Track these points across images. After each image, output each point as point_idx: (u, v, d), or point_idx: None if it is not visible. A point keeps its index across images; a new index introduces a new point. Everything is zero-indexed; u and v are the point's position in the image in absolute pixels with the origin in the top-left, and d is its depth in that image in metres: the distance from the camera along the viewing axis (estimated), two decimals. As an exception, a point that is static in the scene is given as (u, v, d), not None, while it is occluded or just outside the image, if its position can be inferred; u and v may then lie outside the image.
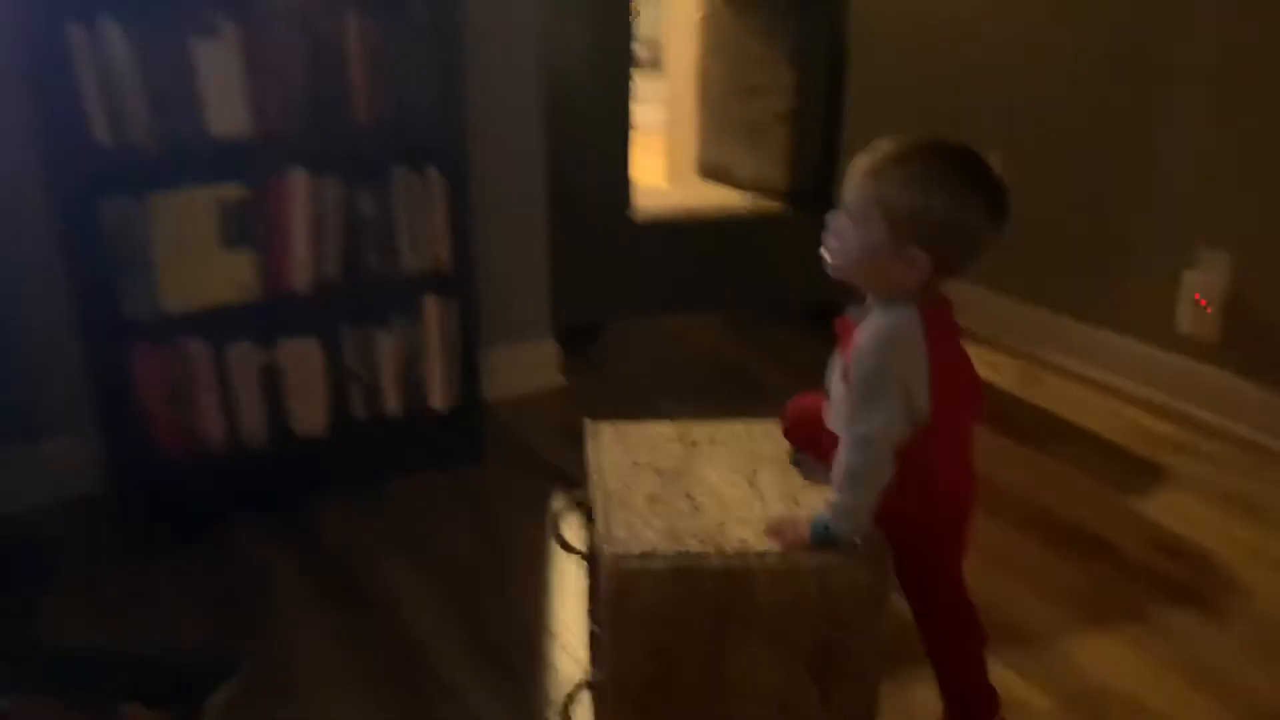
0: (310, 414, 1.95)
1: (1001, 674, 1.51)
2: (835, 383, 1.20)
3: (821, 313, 2.90)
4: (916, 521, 1.18)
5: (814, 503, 1.20)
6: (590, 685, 1.35)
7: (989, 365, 2.63)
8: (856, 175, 1.13)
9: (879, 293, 1.16)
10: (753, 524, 1.20)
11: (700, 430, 1.43)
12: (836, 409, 1.19)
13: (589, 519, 1.35)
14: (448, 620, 1.66)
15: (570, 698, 1.38)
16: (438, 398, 2.07)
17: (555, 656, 1.59)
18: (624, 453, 1.37)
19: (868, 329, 1.14)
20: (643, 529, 1.19)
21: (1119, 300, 2.50)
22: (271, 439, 1.93)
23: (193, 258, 1.76)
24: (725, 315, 2.99)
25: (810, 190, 2.83)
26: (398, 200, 1.91)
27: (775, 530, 1.17)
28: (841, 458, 1.14)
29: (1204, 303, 2.29)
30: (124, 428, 1.80)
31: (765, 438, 1.40)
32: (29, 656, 1.07)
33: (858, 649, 1.19)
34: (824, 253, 1.17)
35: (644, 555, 1.15)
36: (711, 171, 3.10)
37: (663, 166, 3.47)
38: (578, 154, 2.51)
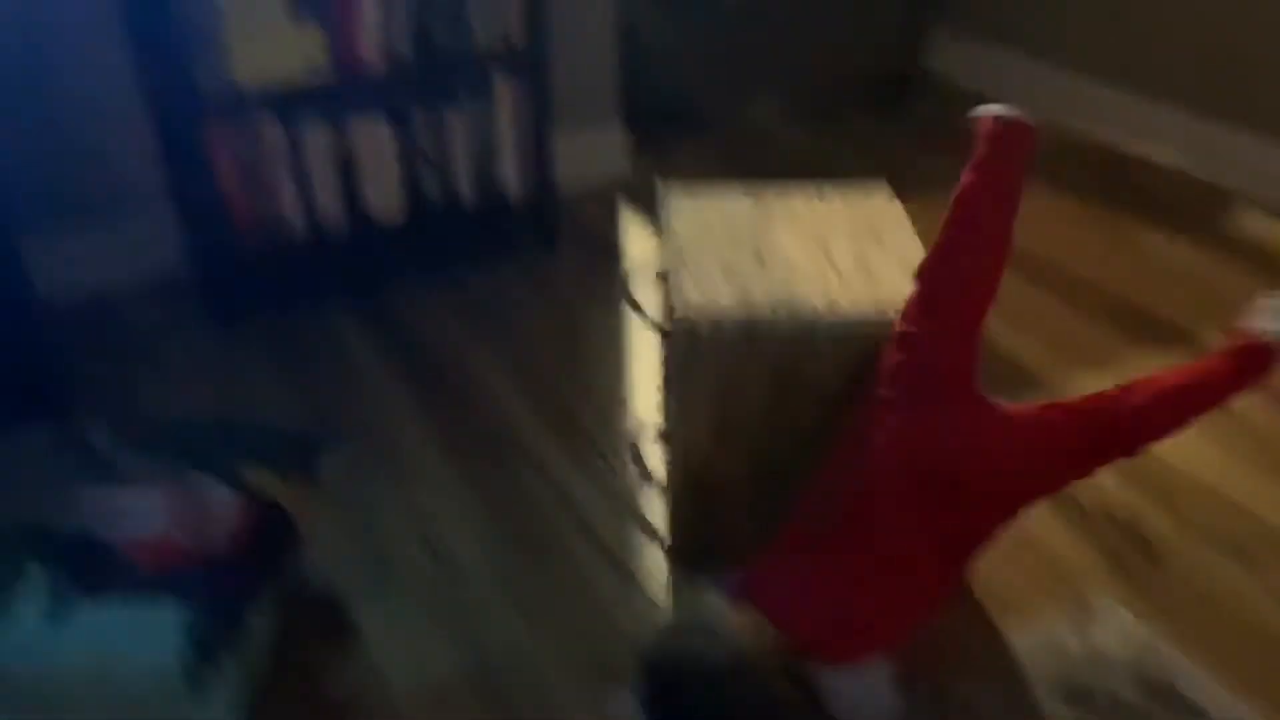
0: (385, 198, 1.95)
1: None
2: None
3: (885, 86, 2.77)
4: None
5: (889, 273, 1.22)
6: (661, 435, 1.40)
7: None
8: None
9: None
10: (822, 290, 1.19)
11: (775, 198, 1.40)
12: None
13: (663, 282, 1.36)
14: (528, 398, 1.71)
15: (639, 441, 1.43)
16: (512, 184, 2.04)
17: (629, 425, 1.64)
18: (697, 216, 1.36)
19: None
20: (714, 291, 1.19)
21: (1212, 77, 2.32)
22: (349, 225, 1.93)
23: (262, 30, 1.71)
24: (791, 97, 2.86)
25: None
26: (468, -29, 1.82)
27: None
28: None
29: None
30: (202, 209, 1.81)
31: (841, 209, 1.38)
32: (151, 424, 1.12)
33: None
34: None
35: (715, 318, 1.15)
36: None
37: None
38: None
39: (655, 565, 1.38)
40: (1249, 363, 1.07)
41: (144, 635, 0.91)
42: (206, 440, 1.08)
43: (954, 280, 1.13)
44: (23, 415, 1.53)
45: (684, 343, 1.16)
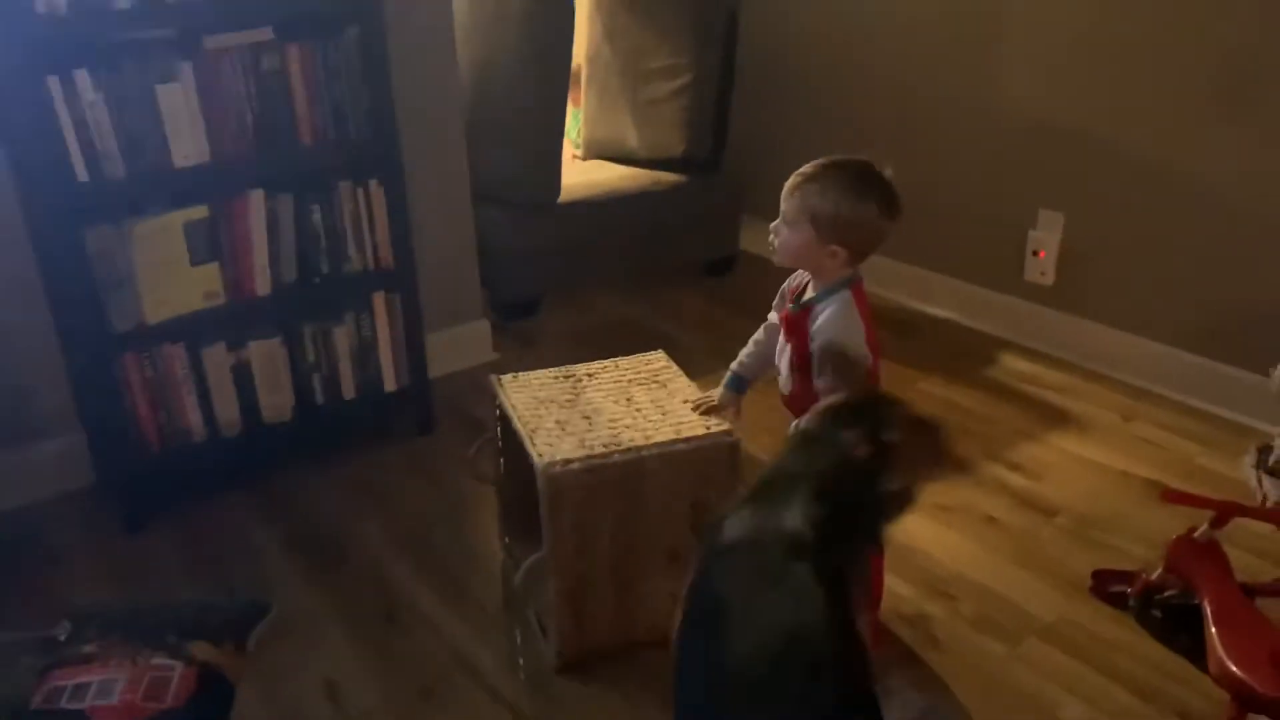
0: (277, 403, 2.22)
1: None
2: (784, 364, 1.60)
3: (714, 266, 3.27)
4: None
5: (679, 408, 1.69)
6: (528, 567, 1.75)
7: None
8: (786, 192, 1.51)
9: (816, 277, 1.56)
10: (635, 429, 1.63)
11: (579, 369, 1.85)
12: (784, 382, 1.60)
13: (499, 453, 1.83)
14: (413, 563, 1.98)
15: (524, 572, 1.76)
16: (389, 380, 2.35)
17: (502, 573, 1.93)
18: (528, 394, 1.78)
19: (823, 319, 1.51)
20: (559, 444, 1.59)
21: (977, 256, 2.89)
22: (243, 425, 2.19)
23: (167, 273, 2.00)
24: (633, 279, 3.30)
25: (706, 155, 3.16)
26: (343, 210, 2.17)
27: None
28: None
29: (1042, 254, 2.70)
30: (111, 428, 2.04)
31: (629, 368, 1.85)
32: (101, 611, 1.33)
33: (720, 500, 1.59)
34: (772, 247, 1.56)
35: (565, 461, 1.54)
36: (597, 149, 3.37)
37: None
38: (510, 151, 2.80)
39: (538, 699, 1.65)
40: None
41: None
42: (154, 619, 1.31)
43: None
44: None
45: (545, 486, 1.49)
